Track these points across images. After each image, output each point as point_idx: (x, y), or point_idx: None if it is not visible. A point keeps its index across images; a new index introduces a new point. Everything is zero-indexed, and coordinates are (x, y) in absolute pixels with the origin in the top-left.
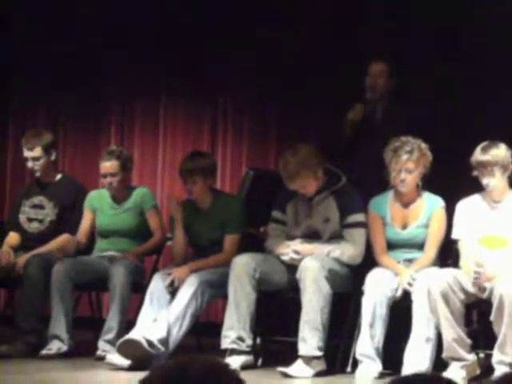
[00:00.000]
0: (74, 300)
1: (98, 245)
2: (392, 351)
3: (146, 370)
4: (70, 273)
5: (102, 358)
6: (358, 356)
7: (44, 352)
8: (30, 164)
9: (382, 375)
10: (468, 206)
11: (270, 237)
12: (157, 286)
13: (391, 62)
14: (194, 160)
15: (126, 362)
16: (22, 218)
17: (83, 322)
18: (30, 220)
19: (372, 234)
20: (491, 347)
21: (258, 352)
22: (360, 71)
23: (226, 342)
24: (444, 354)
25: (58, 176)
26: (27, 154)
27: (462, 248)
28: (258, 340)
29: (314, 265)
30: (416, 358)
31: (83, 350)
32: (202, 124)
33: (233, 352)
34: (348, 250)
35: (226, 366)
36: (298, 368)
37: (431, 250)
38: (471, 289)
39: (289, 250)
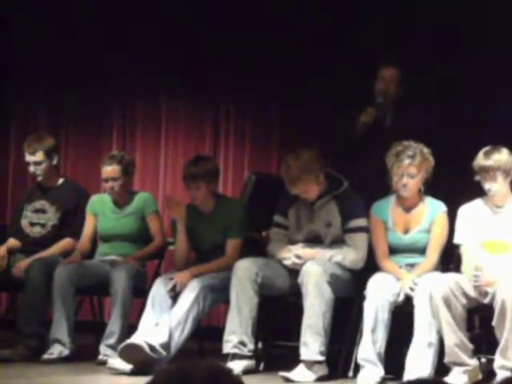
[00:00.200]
0: (76, 304)
1: (99, 249)
2: (394, 356)
3: (147, 374)
4: (72, 277)
5: (103, 363)
6: (359, 361)
7: (45, 356)
8: (31, 168)
9: (383, 380)
10: (470, 210)
11: (272, 241)
12: (159, 290)
13: (402, 68)
14: (197, 165)
15: (127, 367)
16: (24, 222)
17: (85, 326)
18: (32, 224)
19: (374, 238)
20: (493, 352)
21: (259, 356)
22: (360, 72)
23: (228, 347)
24: (446, 359)
25: (60, 180)
26: (29, 158)
27: (464, 253)
28: (260, 344)
29: (315, 269)
30: (418, 363)
31: (85, 355)
32: (203, 128)
33: (235, 356)
34: (350, 255)
35: (229, 370)
36: (299, 373)
37: (433, 255)
38: (473, 294)
39: (291, 254)
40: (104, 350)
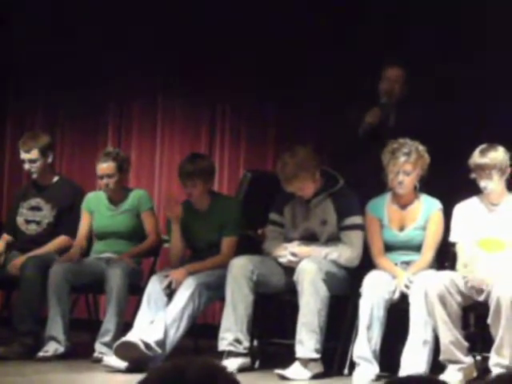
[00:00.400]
0: (71, 302)
1: (94, 247)
2: (389, 354)
3: (142, 372)
4: (67, 274)
5: (98, 360)
6: (355, 358)
7: (41, 354)
8: (26, 166)
9: (379, 378)
10: (466, 208)
11: (268, 239)
12: (154, 288)
13: (407, 68)
14: (193, 162)
15: (122, 364)
16: (20, 220)
17: (80, 323)
18: (27, 222)
19: (369, 236)
20: (488, 350)
21: (255, 354)
22: (360, 72)
23: (223, 344)
24: (441, 357)
25: (55, 178)
26: (24, 156)
27: (460, 251)
28: (256, 342)
29: (311, 267)
30: (413, 361)
31: (80, 352)
32: (199, 126)
33: (230, 354)
34: (345, 253)
35: (223, 368)
36: (295, 370)
37: (428, 253)
38: (468, 291)
39: (286, 252)
40: (99, 347)
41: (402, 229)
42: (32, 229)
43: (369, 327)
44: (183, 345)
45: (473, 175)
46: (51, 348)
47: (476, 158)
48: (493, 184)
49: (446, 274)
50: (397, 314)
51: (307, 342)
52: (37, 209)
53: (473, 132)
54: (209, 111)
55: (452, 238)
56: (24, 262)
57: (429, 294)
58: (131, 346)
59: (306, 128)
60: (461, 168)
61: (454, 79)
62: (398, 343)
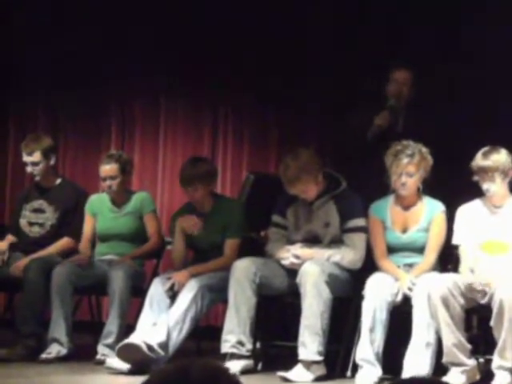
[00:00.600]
0: (74, 304)
1: (97, 248)
2: (392, 356)
3: (145, 374)
4: (70, 276)
5: (101, 362)
6: (357, 361)
7: (43, 356)
8: (29, 169)
9: (381, 380)
10: (468, 211)
11: (271, 241)
12: (157, 290)
13: (414, 70)
14: (194, 167)
15: (125, 366)
16: (23, 222)
17: (83, 325)
18: (30, 224)
19: (372, 238)
20: (491, 352)
21: (257, 356)
22: (360, 72)
23: (226, 347)
24: (444, 359)
25: (58, 180)
26: (26, 158)
27: (463, 253)
28: (258, 344)
29: (314, 269)
30: (416, 363)
31: (83, 354)
32: (202, 128)
33: (233, 356)
34: (348, 255)
35: (226, 369)
36: (297, 373)
37: (431, 255)
38: (471, 294)
39: (289, 254)
40: (102, 349)
41: (404, 231)
42: (35, 231)
43: (371, 329)
44: (186, 347)
45: (475, 178)
46: (54, 350)
47: (478, 160)
48: (495, 186)
49: (449, 277)
50: (399, 317)
51: (310, 344)
52: (40, 211)
53: (473, 133)
54: (211, 112)
55: (455, 241)
56: (27, 264)
57: (432, 296)
58: (134, 347)
59: (308, 129)
60: (463, 170)
61: (454, 79)
62: (400, 346)
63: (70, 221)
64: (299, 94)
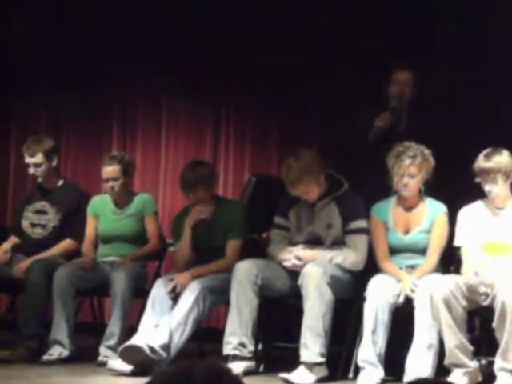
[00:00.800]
0: (76, 305)
1: (99, 250)
2: (394, 358)
3: (147, 375)
4: (72, 278)
5: (103, 364)
6: (359, 362)
7: (45, 357)
8: (31, 170)
9: (383, 382)
10: (470, 212)
11: (273, 243)
12: (159, 291)
13: (415, 70)
14: (193, 171)
15: (127, 368)
16: (25, 223)
17: (85, 327)
18: (33, 225)
19: (374, 239)
20: (493, 354)
21: (259, 358)
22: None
23: (228, 348)
24: (446, 361)
25: (60, 182)
26: (29, 160)
27: (464, 255)
28: (260, 346)
29: (316, 271)
30: (418, 365)
31: (85, 356)
32: (204, 129)
33: (235, 358)
34: (350, 257)
35: (229, 370)
36: (299, 374)
37: (433, 256)
38: (473, 295)
39: (291, 255)
40: (104, 351)
41: (406, 232)
42: (37, 232)
43: (374, 331)
44: (188, 349)
45: (477, 179)
46: (56, 351)
47: (481, 162)
48: (497, 188)
49: (451, 278)
50: (401, 318)
51: (312, 345)
52: (42, 212)
53: (473, 133)
54: (212, 114)
55: (457, 242)
56: (29, 265)
57: (434, 297)
58: (136, 349)
59: (309, 130)
60: (465, 172)
61: (454, 79)
62: (402, 347)
63: (72, 222)
64: (299, 94)
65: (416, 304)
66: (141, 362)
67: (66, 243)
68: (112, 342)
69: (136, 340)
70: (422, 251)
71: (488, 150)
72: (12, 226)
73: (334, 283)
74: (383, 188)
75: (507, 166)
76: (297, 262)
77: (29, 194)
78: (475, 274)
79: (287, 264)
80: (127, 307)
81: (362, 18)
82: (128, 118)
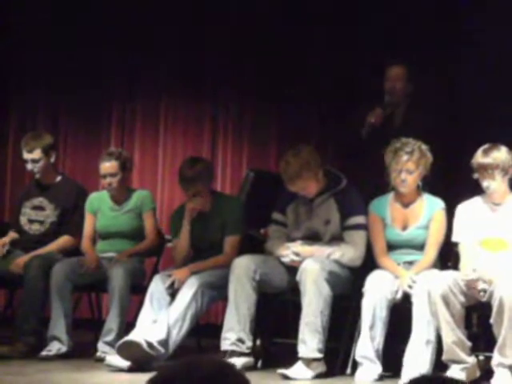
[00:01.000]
0: (74, 301)
1: (98, 246)
2: (392, 353)
3: (145, 371)
4: (70, 274)
5: (101, 360)
6: (357, 358)
7: (44, 353)
8: (29, 166)
9: (381, 377)
10: (468, 208)
11: (271, 238)
12: (157, 287)
13: (410, 66)
14: (192, 168)
15: (125, 364)
16: (23, 219)
17: (83, 323)
18: (30, 221)
19: (372, 235)
20: (491, 350)
21: (257, 354)
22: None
23: (226, 344)
24: (444, 357)
25: (58, 178)
26: (27, 156)
27: (462, 251)
28: (258, 342)
29: (314, 267)
30: (416, 361)
31: (83, 352)
32: (202, 126)
33: (233, 354)
34: (348, 252)
35: (233, 365)
36: (297, 370)
37: (431, 252)
38: (471, 291)
39: (289, 251)
40: (102, 346)
41: (404, 228)
42: (35, 228)
43: (371, 327)
44: (186, 344)
45: (475, 175)
46: (54, 347)
47: (479, 157)
48: (495, 184)
49: (449, 274)
50: (399, 314)
51: (310, 341)
52: (40, 208)
53: (473, 131)
54: (211, 111)
55: (455, 238)
56: (27, 261)
57: (432, 293)
58: (134, 345)
59: (308, 127)
60: (463, 168)
61: (454, 79)
62: (400, 343)
63: (70, 218)
64: (299, 92)
65: (414, 300)
66: (139, 358)
67: (64, 239)
68: (110, 337)
69: (134, 336)
70: (420, 247)
71: (486, 146)
72: (10, 222)
73: (332, 279)
74: (376, 183)
75: (505, 162)
76: (295, 258)
77: (27, 190)
78: (473, 270)
79: (285, 260)
80: (125, 303)
81: (361, 18)
82: (126, 115)
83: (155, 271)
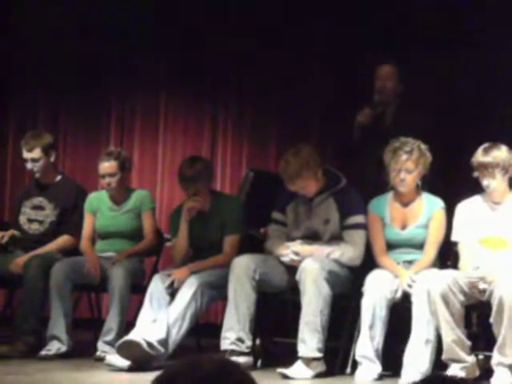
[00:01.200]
0: (74, 301)
1: (97, 246)
2: (392, 353)
3: (145, 370)
4: (69, 273)
5: (101, 359)
6: (357, 357)
7: (43, 353)
8: (29, 165)
9: (381, 377)
10: (468, 207)
11: (270, 238)
12: (156, 287)
13: (399, 66)
14: (191, 167)
15: (125, 363)
16: (23, 219)
17: (83, 322)
18: (30, 221)
19: (372, 234)
20: (491, 349)
21: (257, 353)
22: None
23: (226, 343)
24: (443, 356)
25: (58, 177)
26: (26, 155)
27: (462, 250)
28: (258, 341)
29: (313, 266)
30: (416, 360)
31: (82, 351)
32: (201, 125)
33: (232, 353)
34: (348, 252)
35: (237, 364)
36: (297, 369)
37: (431, 251)
38: (471, 290)
39: (289, 251)
40: (102, 346)
41: (404, 227)
42: (35, 228)
43: (371, 326)
44: (186, 344)
45: (475, 174)
46: (54, 347)
47: (479, 156)
48: (495, 182)
49: (449, 273)
50: (399, 313)
51: (310, 341)
52: (39, 208)
53: (472, 130)
54: (211, 110)
55: (454, 237)
56: (27, 261)
57: (431, 293)
58: (134, 344)
59: (308, 127)
60: (463, 167)
61: (453, 78)
62: (400, 342)
63: (69, 218)
64: (299, 91)
65: (414, 299)
66: (138, 357)
67: (64, 239)
68: (110, 337)
69: (134, 335)
70: (420, 246)
71: (486, 145)
72: (10, 221)
73: (332, 278)
74: (374, 184)
75: (505, 161)
76: (294, 257)
77: (27, 190)
78: (475, 268)
79: (285, 259)
80: (125, 303)
81: (361, 18)
82: (126, 114)
83: (155, 271)
